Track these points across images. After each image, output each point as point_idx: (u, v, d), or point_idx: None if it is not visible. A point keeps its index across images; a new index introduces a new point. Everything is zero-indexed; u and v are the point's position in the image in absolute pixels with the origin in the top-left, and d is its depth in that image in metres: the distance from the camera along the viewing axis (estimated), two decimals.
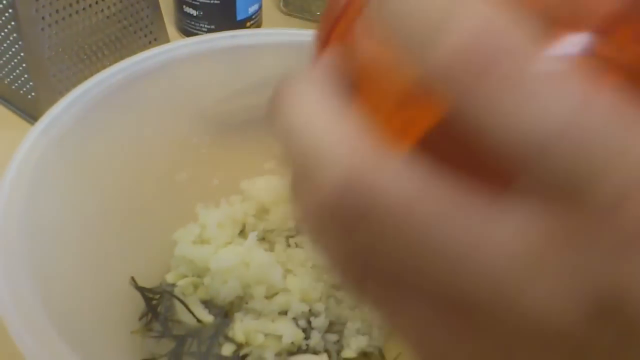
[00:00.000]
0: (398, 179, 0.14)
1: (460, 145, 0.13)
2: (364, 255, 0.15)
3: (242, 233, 0.48)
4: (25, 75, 0.55)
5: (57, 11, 0.53)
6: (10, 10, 0.51)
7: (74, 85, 0.53)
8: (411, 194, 0.14)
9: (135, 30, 0.60)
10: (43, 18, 0.52)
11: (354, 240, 0.15)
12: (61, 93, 0.54)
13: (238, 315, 0.42)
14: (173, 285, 0.44)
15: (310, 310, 0.43)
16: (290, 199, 0.17)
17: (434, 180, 0.14)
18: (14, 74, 0.56)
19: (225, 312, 0.43)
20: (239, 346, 0.41)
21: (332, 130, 0.15)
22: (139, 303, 0.43)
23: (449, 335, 0.15)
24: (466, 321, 0.14)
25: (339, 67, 0.17)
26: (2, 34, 0.53)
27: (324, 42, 0.19)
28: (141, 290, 0.43)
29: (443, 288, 0.14)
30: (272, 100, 0.17)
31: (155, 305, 0.43)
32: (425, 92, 0.13)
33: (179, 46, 0.43)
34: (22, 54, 0.53)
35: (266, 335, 0.42)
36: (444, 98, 0.13)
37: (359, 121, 0.15)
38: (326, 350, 0.42)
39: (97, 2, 0.55)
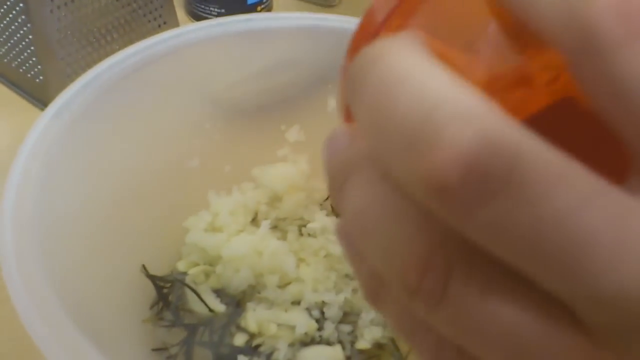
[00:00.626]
0: (544, 150, 0.11)
1: (575, 126, 0.12)
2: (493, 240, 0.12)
3: (254, 221, 0.47)
4: (34, 59, 0.54)
5: None
6: None
7: (83, 68, 0.52)
8: (559, 171, 0.11)
9: (144, 13, 0.59)
10: (52, 0, 0.51)
11: (482, 220, 0.11)
12: (69, 77, 0.54)
13: (250, 305, 0.42)
14: (184, 273, 0.43)
15: (323, 301, 0.42)
16: (390, 167, 0.13)
17: (570, 160, 0.11)
18: (22, 57, 0.55)
19: (237, 302, 0.43)
20: (252, 336, 0.41)
21: (450, 84, 0.12)
22: (150, 292, 0.42)
23: None
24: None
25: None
26: (11, 15, 0.52)
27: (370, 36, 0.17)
28: (152, 278, 0.42)
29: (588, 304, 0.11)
30: (353, 59, 0.14)
31: (167, 294, 0.42)
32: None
33: (191, 30, 0.42)
34: (30, 37, 0.52)
35: (279, 325, 0.41)
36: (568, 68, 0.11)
37: (470, 87, 0.12)
38: (340, 342, 0.41)
39: None
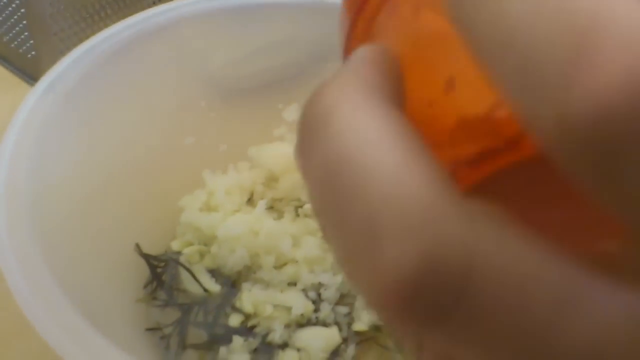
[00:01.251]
0: (502, 250, 0.10)
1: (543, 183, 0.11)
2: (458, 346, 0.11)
3: (250, 201, 0.46)
4: (26, 33, 0.53)
5: None
6: None
7: (76, 44, 0.51)
8: (519, 278, 0.10)
9: None
10: None
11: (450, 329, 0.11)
12: (62, 52, 0.52)
13: (246, 285, 0.41)
14: (179, 253, 0.43)
15: (319, 282, 0.42)
16: (346, 274, 0.12)
17: (537, 243, 0.10)
18: (14, 31, 0.54)
19: (232, 282, 0.42)
20: (247, 317, 0.40)
21: (404, 165, 0.11)
22: (144, 271, 0.41)
23: None
24: None
25: (382, 62, 0.13)
26: None
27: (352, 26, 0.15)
28: (146, 257, 0.41)
29: None
30: (302, 121, 0.13)
31: (160, 273, 0.42)
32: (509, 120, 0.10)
33: (188, 3, 0.41)
34: (22, 10, 0.51)
35: (275, 306, 0.40)
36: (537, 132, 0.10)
37: (426, 149, 0.11)
38: (336, 323, 0.40)
39: None
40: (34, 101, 0.34)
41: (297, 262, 0.42)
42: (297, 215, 0.46)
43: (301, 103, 0.44)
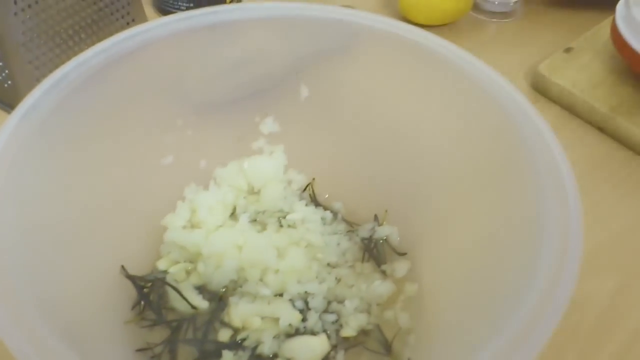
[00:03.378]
0: None
1: None
2: None
3: (233, 215, 0.47)
4: (0, 63, 0.53)
5: None
6: None
7: (52, 71, 0.51)
8: None
9: (111, 11, 0.58)
10: (15, 2, 0.50)
11: None
12: (38, 80, 0.53)
13: (233, 300, 0.41)
14: (165, 272, 0.43)
15: (306, 291, 0.42)
16: None
17: None
18: None
19: (220, 297, 0.42)
20: (236, 331, 0.40)
21: None
22: (132, 292, 0.42)
23: None
24: None
25: None
26: None
27: None
28: (132, 278, 0.42)
29: None
30: None
31: (147, 293, 0.42)
32: None
33: (158, 25, 0.42)
34: None
35: (263, 318, 0.41)
36: None
37: None
38: (325, 331, 0.41)
39: None
40: (10, 130, 0.34)
41: (282, 273, 0.42)
42: (281, 226, 0.46)
43: (277, 115, 0.45)
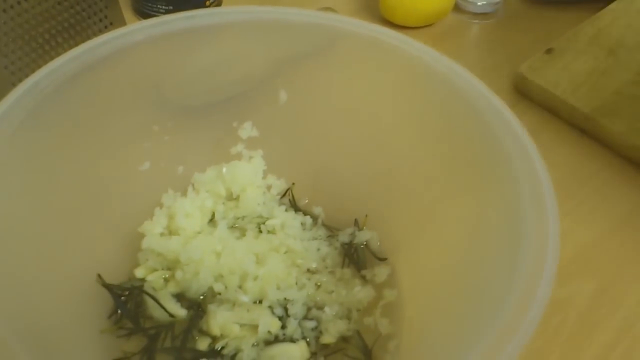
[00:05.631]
0: None
1: None
2: None
3: (212, 222, 0.46)
4: None
5: None
6: None
7: (28, 76, 0.50)
8: None
9: (89, 15, 0.57)
10: None
11: None
12: (14, 85, 0.52)
13: (212, 307, 0.41)
14: (142, 280, 0.43)
15: (285, 298, 0.42)
16: None
17: None
18: None
19: (198, 305, 0.42)
20: (214, 339, 0.40)
21: None
22: (108, 300, 0.41)
23: None
24: None
25: None
26: None
27: None
28: (108, 287, 0.41)
29: None
30: None
31: (125, 302, 0.42)
32: None
33: (133, 30, 0.41)
34: None
35: (242, 325, 0.40)
36: None
37: None
38: (304, 338, 0.40)
39: None
40: None
41: (261, 279, 0.42)
42: (260, 231, 0.46)
43: (255, 120, 0.44)
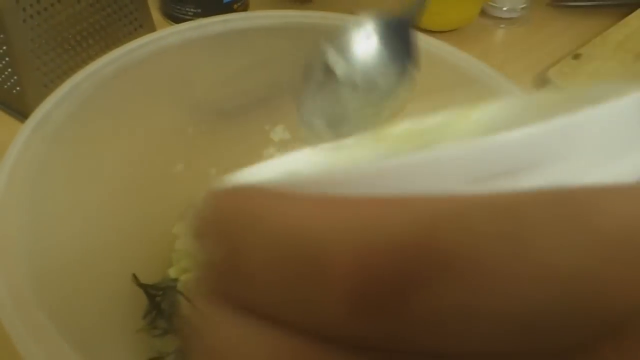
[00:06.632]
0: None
1: None
2: None
3: None
4: (9, 69, 0.53)
5: (38, 1, 0.51)
6: None
7: (60, 77, 0.51)
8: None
9: (119, 17, 0.58)
10: (24, 9, 0.50)
11: None
12: (47, 86, 0.53)
13: None
14: (176, 280, 0.43)
15: None
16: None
17: None
18: None
19: None
20: None
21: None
22: (143, 301, 0.42)
23: None
24: None
25: None
26: None
27: None
28: (143, 287, 0.42)
29: None
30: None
31: (159, 302, 0.42)
32: None
33: (169, 33, 0.42)
34: (4, 47, 0.51)
35: None
36: None
37: None
38: None
39: None
40: (23, 141, 0.34)
41: None
42: None
43: (287, 123, 0.44)
